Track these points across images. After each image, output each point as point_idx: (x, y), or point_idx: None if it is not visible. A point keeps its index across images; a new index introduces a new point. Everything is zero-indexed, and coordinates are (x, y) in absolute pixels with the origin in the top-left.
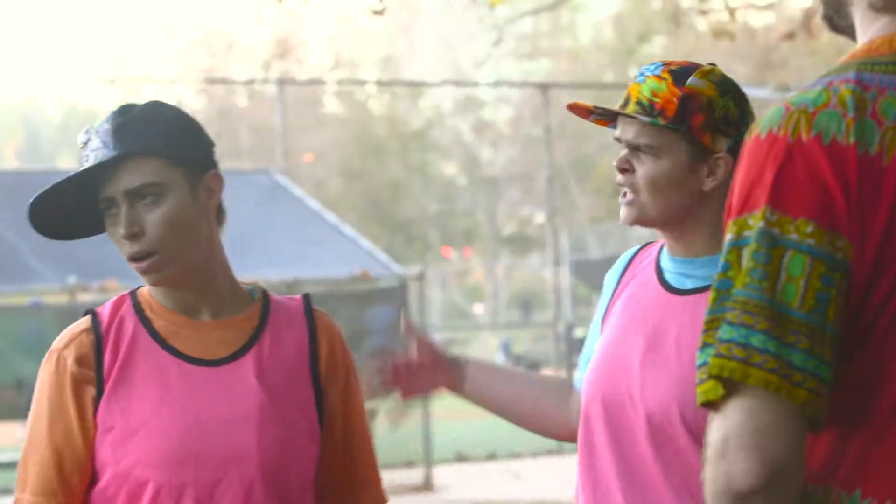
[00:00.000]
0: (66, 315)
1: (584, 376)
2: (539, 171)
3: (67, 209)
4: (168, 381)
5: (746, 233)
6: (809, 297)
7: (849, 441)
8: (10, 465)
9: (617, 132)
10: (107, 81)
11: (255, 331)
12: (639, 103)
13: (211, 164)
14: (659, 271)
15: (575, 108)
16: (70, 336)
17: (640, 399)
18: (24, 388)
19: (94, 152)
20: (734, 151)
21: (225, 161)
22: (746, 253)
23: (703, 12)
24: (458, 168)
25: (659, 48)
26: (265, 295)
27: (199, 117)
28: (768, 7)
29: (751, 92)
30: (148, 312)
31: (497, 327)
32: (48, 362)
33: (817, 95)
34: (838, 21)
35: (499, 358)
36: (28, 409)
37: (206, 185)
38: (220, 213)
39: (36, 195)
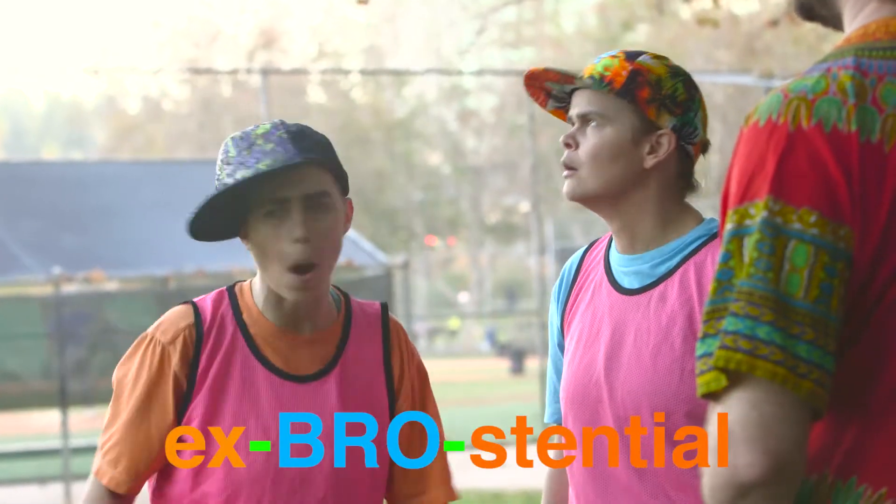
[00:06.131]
0: (51, 306)
1: (561, 397)
2: (523, 160)
3: (218, 210)
4: (258, 395)
5: (748, 222)
6: (813, 287)
7: (844, 428)
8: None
9: (570, 111)
10: (90, 72)
11: (339, 344)
12: (591, 77)
13: (347, 189)
14: (608, 271)
15: (532, 85)
16: (175, 330)
17: (610, 406)
18: (8, 377)
19: (271, 155)
20: (680, 132)
21: (209, 151)
22: (749, 243)
23: (687, 0)
24: (443, 157)
25: (643, 36)
26: (347, 302)
27: (184, 108)
28: None
29: (734, 79)
30: (245, 317)
31: (482, 316)
32: (150, 352)
33: (816, 82)
34: (819, 10)
35: (484, 346)
36: (13, 399)
37: (347, 209)
38: None
39: (218, 192)
